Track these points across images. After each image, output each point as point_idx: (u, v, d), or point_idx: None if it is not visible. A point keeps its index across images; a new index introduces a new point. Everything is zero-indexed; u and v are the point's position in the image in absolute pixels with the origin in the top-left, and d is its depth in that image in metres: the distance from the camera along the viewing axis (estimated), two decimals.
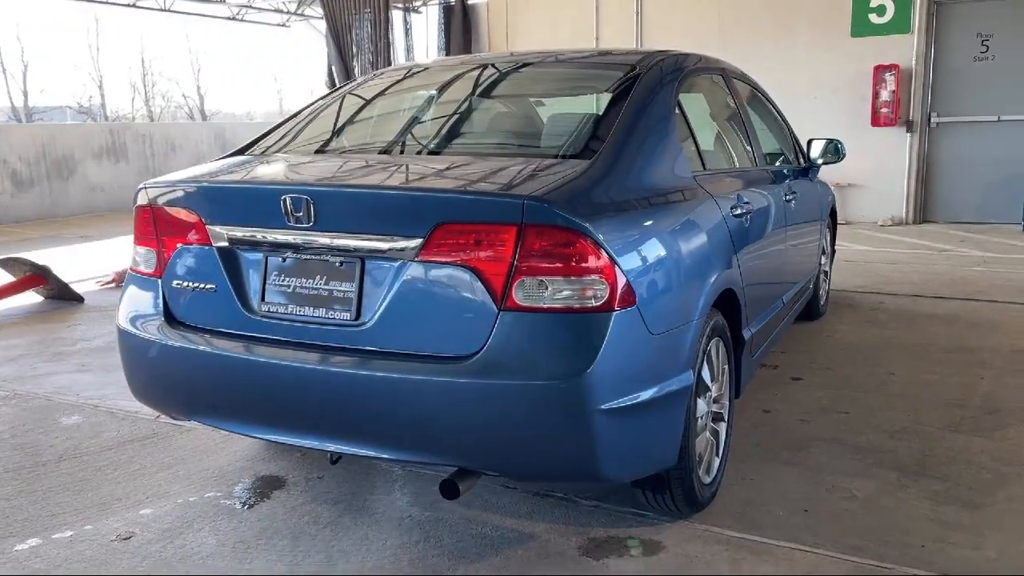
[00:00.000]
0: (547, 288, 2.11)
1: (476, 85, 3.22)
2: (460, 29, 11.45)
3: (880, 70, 9.19)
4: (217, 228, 2.51)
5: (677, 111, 2.91)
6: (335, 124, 3.21)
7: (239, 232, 2.47)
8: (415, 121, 3.13)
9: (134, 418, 3.78)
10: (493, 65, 3.33)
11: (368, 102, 3.33)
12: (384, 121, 3.23)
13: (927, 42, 9.14)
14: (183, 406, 2.65)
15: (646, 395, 2.25)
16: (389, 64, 11.98)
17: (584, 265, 2.11)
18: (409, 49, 12.03)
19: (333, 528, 2.73)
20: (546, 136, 2.91)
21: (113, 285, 6.90)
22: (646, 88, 2.81)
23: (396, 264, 2.25)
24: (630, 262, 2.21)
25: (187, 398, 2.62)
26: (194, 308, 2.58)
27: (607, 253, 2.14)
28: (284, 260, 2.42)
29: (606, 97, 2.81)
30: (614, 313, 2.13)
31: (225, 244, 2.50)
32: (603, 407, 2.12)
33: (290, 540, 2.66)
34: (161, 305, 2.64)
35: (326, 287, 2.36)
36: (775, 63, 9.64)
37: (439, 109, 3.18)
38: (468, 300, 2.17)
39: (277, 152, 2.99)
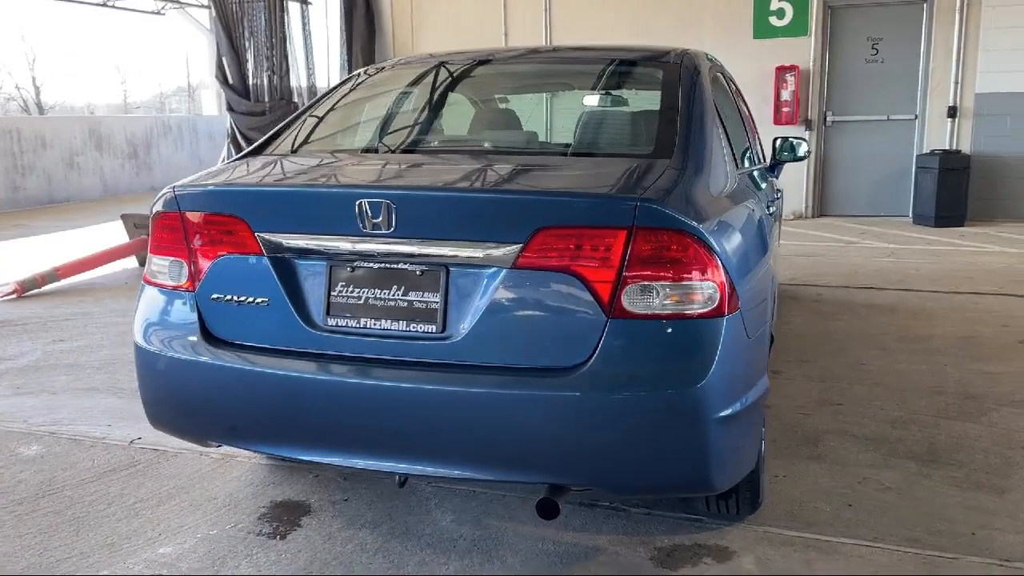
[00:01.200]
0: (658, 294, 2.03)
1: (513, 80, 3.09)
2: (363, 21, 11.11)
3: (781, 71, 9.59)
4: (270, 236, 2.27)
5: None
6: (365, 121, 3.00)
7: (299, 240, 2.25)
8: (464, 118, 2.97)
9: (104, 445, 3.42)
10: (519, 59, 3.20)
11: (399, 97, 3.13)
12: (425, 118, 3.05)
13: (822, 44, 9.61)
14: (223, 432, 2.40)
15: (747, 400, 2.20)
16: (285, 57, 11.49)
17: (697, 269, 2.04)
18: (307, 40, 11.56)
19: (385, 555, 2.55)
20: (616, 134, 2.82)
21: (15, 296, 6.26)
22: (693, 85, 2.77)
23: (489, 272, 2.11)
24: (731, 264, 2.15)
25: (231, 423, 2.37)
26: (240, 324, 2.34)
27: (717, 256, 2.07)
28: (353, 270, 2.23)
29: (654, 94, 2.75)
30: (725, 318, 2.07)
31: (281, 253, 2.27)
32: (718, 416, 2.06)
33: (344, 571, 2.46)
34: (196, 321, 2.38)
35: (405, 298, 2.18)
36: None
37: (484, 106, 3.04)
38: (572, 309, 2.06)
39: (312, 152, 2.77)
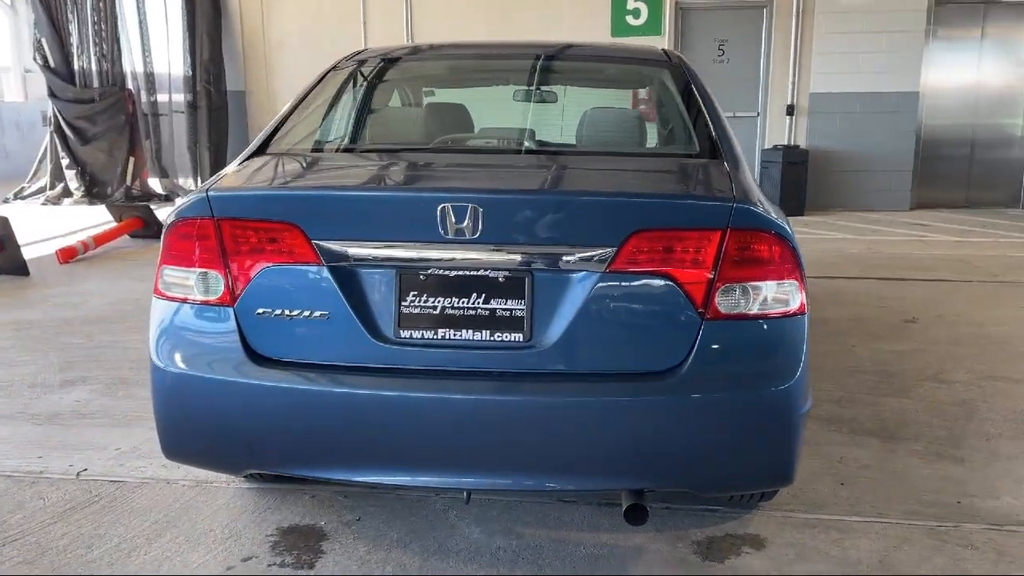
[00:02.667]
0: (750, 294, 2.06)
1: (522, 76, 3.01)
2: (208, 2, 10.38)
3: None
4: (330, 244, 2.09)
5: None
6: (378, 115, 2.82)
7: (365, 248, 2.08)
8: (485, 114, 2.85)
9: (48, 480, 3.02)
10: (522, 55, 3.13)
11: (408, 89, 2.96)
12: (449, 113, 2.91)
13: (675, 44, 10.08)
14: (269, 458, 2.20)
15: (810, 395, 2.29)
16: (117, 39, 10.56)
17: (784, 269, 2.09)
18: (143, 21, 10.64)
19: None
20: (652, 133, 2.80)
21: None
22: (701, 84, 2.82)
23: (579, 277, 2.05)
24: (802, 263, 2.22)
25: (280, 448, 2.17)
26: (293, 340, 2.13)
27: (798, 256, 2.13)
28: (426, 278, 2.09)
29: (669, 93, 2.78)
30: (805, 316, 2.14)
31: (341, 262, 2.09)
32: (801, 412, 2.13)
33: None
34: (236, 338, 2.14)
35: (486, 306, 2.08)
36: None
37: (512, 103, 2.94)
38: (667, 312, 2.05)
39: (341, 150, 2.57)
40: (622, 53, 3.25)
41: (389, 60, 3.16)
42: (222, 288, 2.16)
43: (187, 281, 2.19)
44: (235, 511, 2.80)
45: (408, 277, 2.10)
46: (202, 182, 9.61)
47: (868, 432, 3.48)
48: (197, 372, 2.17)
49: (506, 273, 2.07)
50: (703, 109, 2.67)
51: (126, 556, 2.53)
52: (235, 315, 2.15)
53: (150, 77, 10.74)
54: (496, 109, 3.05)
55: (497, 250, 2.05)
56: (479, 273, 2.08)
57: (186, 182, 10.81)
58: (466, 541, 2.62)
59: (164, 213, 6.73)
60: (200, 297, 2.18)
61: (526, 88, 3.01)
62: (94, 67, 10.51)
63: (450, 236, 2.04)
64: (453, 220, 2.02)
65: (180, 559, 2.51)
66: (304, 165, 2.47)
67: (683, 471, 2.13)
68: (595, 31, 10.03)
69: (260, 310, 2.14)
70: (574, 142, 2.78)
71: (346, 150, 2.66)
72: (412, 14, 10.46)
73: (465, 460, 2.12)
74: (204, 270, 2.16)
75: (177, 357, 2.19)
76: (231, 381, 2.14)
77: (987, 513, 2.81)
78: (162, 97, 10.79)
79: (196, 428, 2.23)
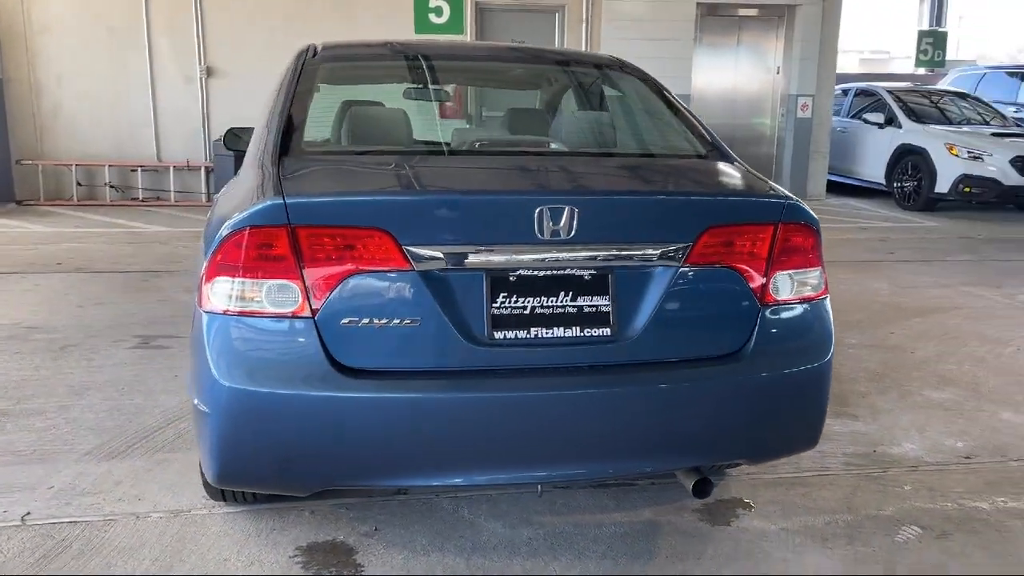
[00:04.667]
0: (794, 280, 2.33)
1: (495, 77, 3.05)
2: None
3: None
4: (420, 249, 2.05)
5: None
6: (401, 116, 2.73)
7: (457, 252, 2.07)
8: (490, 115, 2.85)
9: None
10: (486, 57, 3.16)
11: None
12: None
13: None
14: (351, 471, 2.13)
15: None
16: None
17: (817, 256, 2.37)
18: None
19: (482, 572, 2.47)
20: (657, 135, 2.93)
21: None
22: (668, 90, 3.05)
23: (658, 271, 2.20)
24: None
25: (371, 459, 2.11)
26: (382, 349, 2.07)
27: (821, 244, 2.42)
28: (514, 279, 2.12)
29: (649, 97, 2.98)
30: (828, 298, 2.44)
31: (431, 267, 2.07)
32: (830, 382, 2.43)
33: None
34: (319, 351, 2.04)
35: (573, 303, 2.16)
36: None
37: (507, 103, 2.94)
38: (732, 300, 2.26)
39: (381, 151, 2.56)
40: (590, 59, 3.41)
41: (367, 57, 3.06)
42: (299, 299, 2.04)
43: (256, 294, 2.05)
44: (237, 538, 2.62)
45: (498, 279, 2.12)
46: None
47: None
48: (274, 389, 2.03)
49: (592, 271, 2.17)
50: (687, 113, 2.91)
51: None
52: (316, 326, 2.05)
53: None
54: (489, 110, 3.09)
55: (586, 249, 2.14)
56: (567, 272, 2.16)
57: None
58: (495, 536, 2.67)
59: None
60: (274, 309, 2.05)
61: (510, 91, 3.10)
62: None
63: (546, 237, 2.09)
64: (550, 222, 2.08)
65: None
66: (365, 168, 2.38)
67: (745, 443, 2.35)
68: (398, 28, 10.03)
69: (345, 320, 2.05)
70: (599, 145, 2.90)
71: (390, 152, 2.57)
72: (203, 13, 9.81)
73: (553, 454, 2.19)
74: (279, 281, 2.03)
75: (248, 375, 2.04)
76: (315, 395, 2.04)
77: (900, 458, 3.33)
78: None
79: (269, 448, 2.09)
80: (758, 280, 2.27)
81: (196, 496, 2.87)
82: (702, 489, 2.35)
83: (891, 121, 11.24)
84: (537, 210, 2.08)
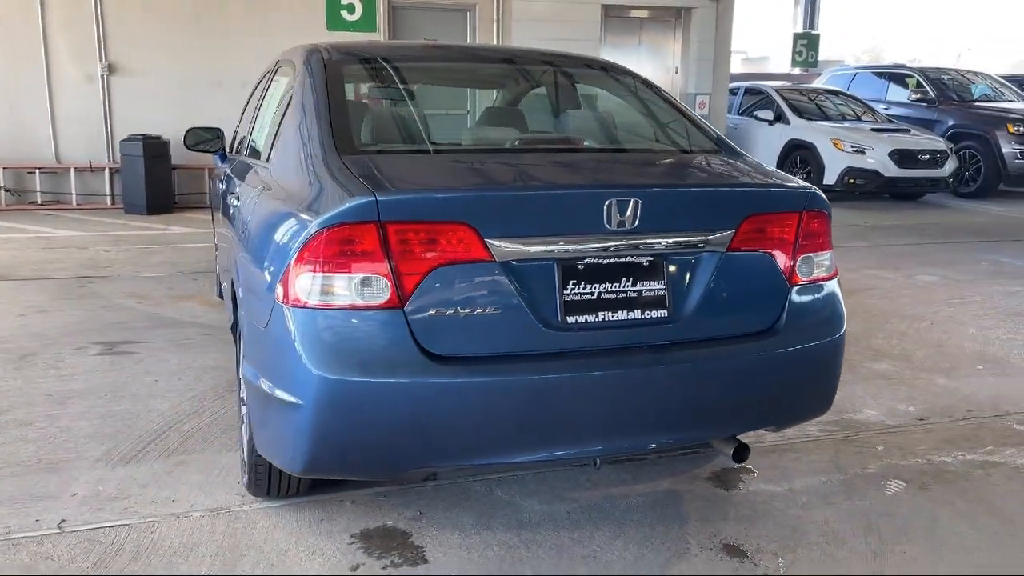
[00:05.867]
0: (814, 262, 2.59)
1: (507, 78, 3.20)
2: None
3: None
4: (501, 241, 2.19)
5: None
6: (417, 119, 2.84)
7: (533, 242, 2.22)
8: (530, 114, 3.00)
9: (31, 539, 2.58)
10: (491, 59, 3.29)
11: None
12: (504, 115, 2.97)
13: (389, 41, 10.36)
14: (438, 454, 2.25)
15: None
16: None
17: (829, 241, 2.65)
18: None
19: (537, 547, 2.63)
20: (677, 131, 3.10)
21: None
22: (660, 90, 3.27)
23: (705, 256, 2.41)
24: None
25: (458, 441, 2.23)
26: (466, 336, 2.19)
27: (831, 231, 2.70)
28: (582, 267, 2.29)
29: (650, 96, 3.20)
30: (838, 278, 2.72)
31: (511, 258, 2.21)
32: (844, 352, 2.72)
33: (532, 570, 2.49)
34: (410, 340, 2.14)
35: (634, 288, 2.34)
36: (258, 52, 9.73)
37: (530, 103, 3.08)
38: (766, 281, 2.50)
39: (440, 149, 2.73)
40: (597, 63, 3.58)
41: (386, 58, 3.12)
42: (389, 291, 2.14)
43: (346, 288, 2.13)
44: (290, 530, 2.68)
45: (568, 267, 2.28)
46: None
47: None
48: (367, 378, 2.12)
49: (650, 258, 2.36)
50: (691, 112, 3.14)
51: None
52: (405, 317, 2.15)
53: None
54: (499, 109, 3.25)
55: (646, 238, 2.33)
56: (628, 259, 2.34)
57: None
58: (536, 512, 2.83)
59: None
60: (363, 302, 2.13)
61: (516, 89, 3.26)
62: None
63: (612, 227, 2.27)
64: (617, 213, 2.26)
65: None
66: (434, 166, 2.47)
67: (776, 410, 2.60)
68: (310, 24, 9.92)
69: (432, 310, 2.16)
70: (621, 141, 3.09)
71: (446, 150, 2.66)
72: (103, 10, 9.41)
73: (617, 428, 2.37)
74: (369, 275, 2.12)
75: (342, 366, 2.12)
76: (407, 382, 2.14)
77: (865, 422, 3.69)
78: None
79: (362, 435, 2.18)
80: (786, 263, 2.52)
81: (230, 493, 2.89)
82: (741, 454, 2.58)
83: (780, 118, 11.98)
84: (606, 202, 2.25)
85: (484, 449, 2.28)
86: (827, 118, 12.05)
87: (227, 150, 4.77)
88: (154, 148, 9.13)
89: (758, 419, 2.61)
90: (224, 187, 4.00)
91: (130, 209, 9.17)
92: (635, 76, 3.38)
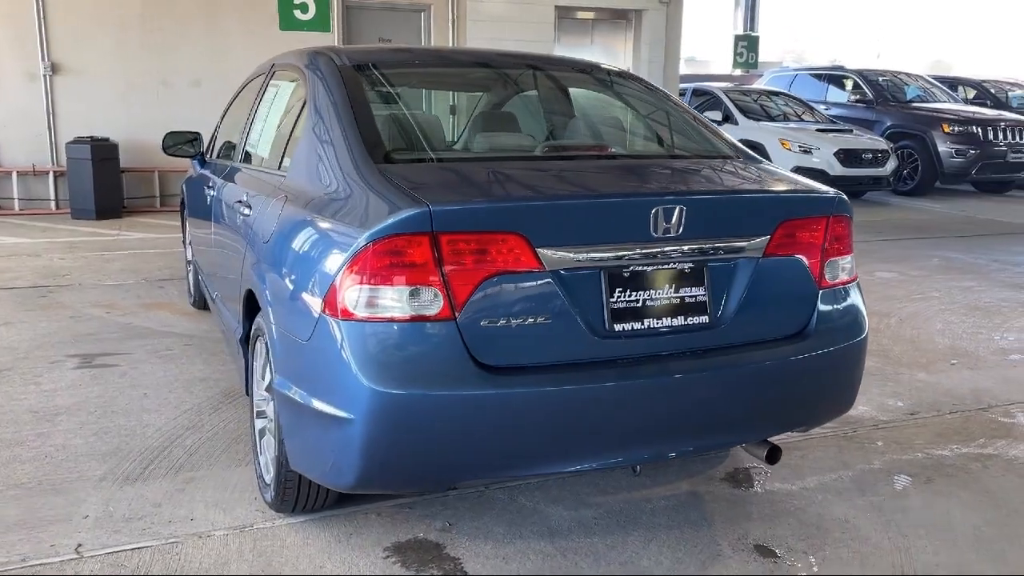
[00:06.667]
0: (839, 266, 2.65)
1: (530, 85, 3.19)
2: None
3: None
4: (551, 250, 2.18)
5: None
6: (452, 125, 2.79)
7: (582, 250, 2.22)
8: (554, 121, 2.98)
9: (48, 566, 2.46)
10: (505, 64, 3.29)
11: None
12: (502, 122, 2.97)
13: (343, 41, 10.21)
14: (495, 463, 2.24)
15: None
16: None
17: (851, 244, 2.71)
18: None
19: (573, 554, 2.63)
20: (689, 137, 3.11)
21: None
22: (668, 95, 3.30)
23: (743, 262, 2.44)
24: None
25: (510, 451, 2.21)
26: (517, 346, 2.18)
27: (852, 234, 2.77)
28: (627, 274, 2.30)
29: (660, 99, 3.23)
30: (858, 280, 2.79)
31: (560, 267, 2.20)
32: (866, 352, 2.78)
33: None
34: (463, 351, 2.12)
35: (676, 294, 2.36)
36: (208, 52, 9.54)
37: (544, 107, 3.08)
38: (797, 285, 2.55)
39: (473, 157, 2.74)
40: (608, 69, 3.59)
41: (402, 64, 3.07)
42: (441, 302, 2.11)
43: (399, 299, 2.09)
44: (320, 546, 2.62)
45: (614, 274, 2.29)
46: None
47: None
48: (421, 391, 2.09)
49: (691, 264, 2.38)
50: (703, 118, 3.18)
51: None
52: (458, 327, 2.12)
53: None
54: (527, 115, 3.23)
55: (688, 244, 2.35)
56: (670, 267, 2.35)
57: None
58: (564, 519, 2.83)
59: None
60: (414, 313, 2.10)
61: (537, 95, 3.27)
62: None
63: (658, 235, 2.28)
64: (663, 220, 2.27)
65: None
66: (479, 174, 2.44)
67: (807, 411, 2.65)
68: (263, 24, 9.73)
69: (484, 321, 2.14)
70: (644, 148, 3.10)
71: (484, 158, 2.63)
72: (44, 10, 9.05)
73: (662, 433, 2.38)
74: (422, 286, 2.09)
75: (396, 379, 2.08)
76: (461, 394, 2.11)
77: (860, 419, 3.79)
78: None
79: (413, 448, 2.14)
80: (816, 267, 2.58)
81: (249, 510, 2.82)
82: (774, 456, 2.63)
83: (728, 119, 12.20)
84: (653, 210, 2.26)
85: (536, 460, 2.27)
86: (772, 119, 12.33)
87: (204, 154, 4.65)
88: (102, 151, 8.82)
89: (791, 421, 2.66)
90: (214, 193, 3.89)
91: (77, 214, 8.85)
92: (646, 83, 3.41)
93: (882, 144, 11.71)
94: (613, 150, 3.08)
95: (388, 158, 2.49)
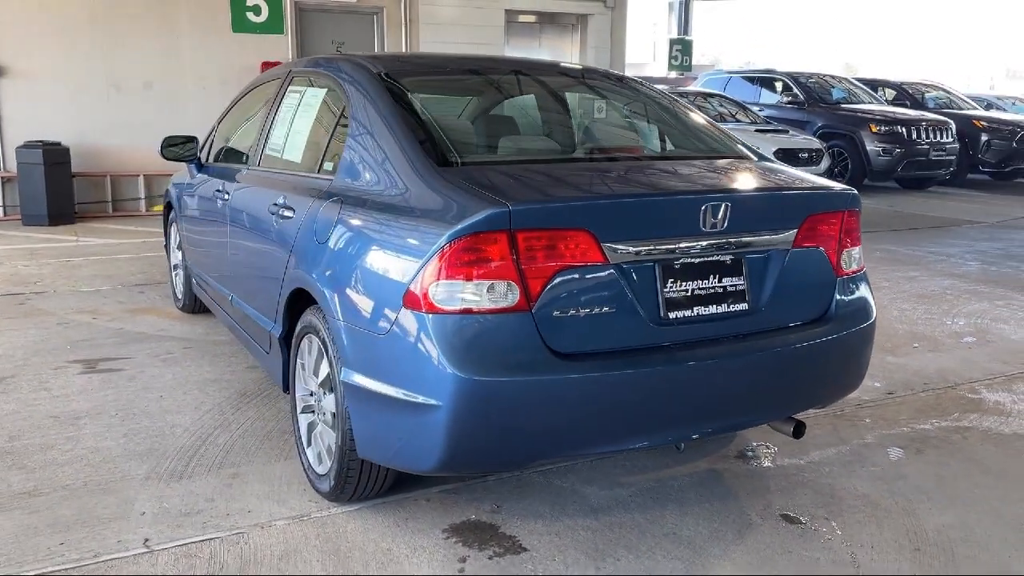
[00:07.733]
0: (852, 256, 2.92)
1: (560, 90, 3.37)
2: None
3: (267, 66, 9.86)
4: (615, 244, 2.38)
5: None
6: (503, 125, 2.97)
7: (641, 245, 2.42)
8: (586, 124, 3.16)
9: (122, 560, 2.54)
10: (549, 72, 3.50)
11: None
12: (550, 121, 3.14)
13: (297, 43, 10.21)
14: (570, 443, 2.43)
15: None
16: None
17: (860, 236, 2.98)
18: None
19: (618, 529, 2.83)
20: (708, 137, 3.32)
21: None
22: (675, 99, 3.53)
23: (775, 253, 2.68)
24: None
25: (583, 431, 2.40)
26: (585, 334, 2.37)
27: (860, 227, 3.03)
28: (679, 266, 2.50)
29: (666, 101, 3.45)
30: (865, 269, 3.06)
31: (622, 260, 2.39)
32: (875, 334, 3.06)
33: (623, 551, 2.69)
34: (538, 340, 2.30)
35: (719, 284, 2.58)
36: (159, 53, 9.43)
37: (577, 113, 3.25)
38: (820, 274, 2.80)
39: (534, 159, 2.91)
40: (628, 77, 3.78)
41: (441, 71, 3.20)
42: (518, 295, 2.28)
43: (477, 292, 2.25)
44: (382, 531, 2.76)
45: (667, 266, 2.49)
46: None
47: None
48: (501, 377, 2.25)
49: (732, 256, 2.60)
50: (711, 121, 3.42)
51: None
52: (533, 318, 2.30)
53: None
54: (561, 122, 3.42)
55: (731, 238, 2.58)
56: (715, 258, 2.57)
57: None
58: (602, 498, 3.02)
59: None
60: (493, 306, 2.26)
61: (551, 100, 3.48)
62: None
63: (706, 229, 2.50)
64: (710, 216, 2.49)
65: None
66: (544, 175, 2.61)
67: (826, 390, 2.90)
68: (215, 26, 9.66)
69: (556, 311, 2.32)
70: (672, 150, 3.31)
71: (539, 160, 2.80)
72: None
73: (708, 413, 2.60)
74: (495, 280, 2.26)
75: (478, 366, 2.24)
76: (538, 379, 2.29)
77: (846, 399, 4.07)
78: None
79: (494, 431, 2.30)
80: (834, 257, 2.84)
81: (302, 500, 2.93)
82: (800, 431, 2.87)
83: None
84: (703, 207, 2.48)
85: (602, 439, 2.46)
86: (714, 120, 12.78)
87: (201, 158, 4.69)
88: (54, 155, 8.63)
89: (813, 398, 2.91)
90: (226, 196, 3.94)
91: (29, 220, 8.64)
92: (662, 92, 3.63)
93: (816, 144, 12.26)
94: (646, 151, 3.30)
95: (447, 162, 2.64)
